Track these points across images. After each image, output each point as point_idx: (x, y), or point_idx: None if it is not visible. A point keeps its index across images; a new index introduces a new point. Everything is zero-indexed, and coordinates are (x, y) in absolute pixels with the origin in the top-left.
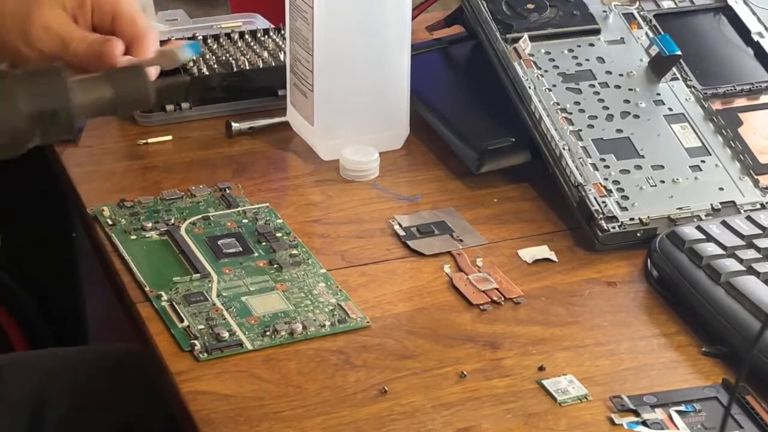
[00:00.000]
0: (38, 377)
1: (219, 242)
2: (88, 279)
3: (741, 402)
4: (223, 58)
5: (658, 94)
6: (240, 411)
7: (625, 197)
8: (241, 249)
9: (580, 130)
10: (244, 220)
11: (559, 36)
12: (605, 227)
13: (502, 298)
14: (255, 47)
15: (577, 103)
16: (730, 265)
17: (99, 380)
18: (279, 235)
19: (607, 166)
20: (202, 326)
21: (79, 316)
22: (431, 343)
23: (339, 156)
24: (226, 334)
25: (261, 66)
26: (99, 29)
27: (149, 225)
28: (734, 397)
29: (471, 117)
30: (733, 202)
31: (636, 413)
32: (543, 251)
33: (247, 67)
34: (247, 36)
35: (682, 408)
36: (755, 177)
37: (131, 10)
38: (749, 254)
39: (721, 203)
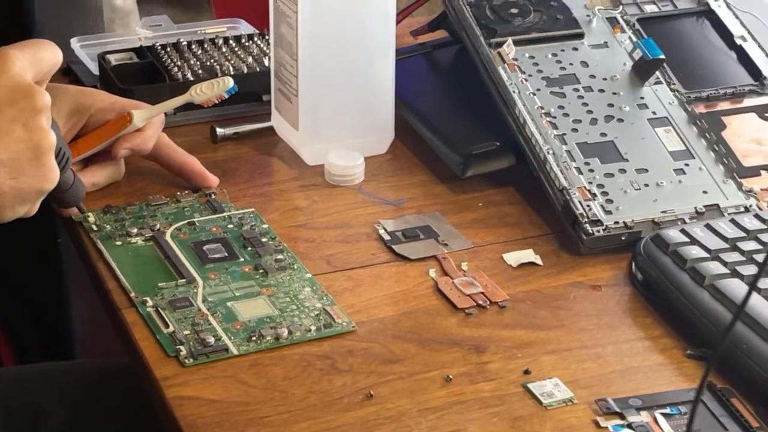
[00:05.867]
0: (37, 390)
1: (204, 247)
2: (74, 284)
3: (726, 405)
4: (208, 63)
5: (642, 98)
6: (226, 416)
7: (610, 201)
8: (226, 254)
9: (565, 134)
10: (230, 226)
11: (542, 40)
12: (590, 231)
13: (488, 302)
14: (239, 52)
15: (561, 107)
16: (714, 268)
17: (97, 393)
18: (264, 240)
19: (591, 170)
20: (187, 331)
21: (65, 322)
22: (417, 347)
23: (324, 161)
24: (211, 340)
25: (245, 71)
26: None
27: (134, 230)
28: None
29: (456, 121)
30: (717, 205)
31: (621, 416)
32: (528, 255)
33: (232, 73)
34: (231, 41)
35: (667, 411)
36: (739, 180)
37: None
38: (733, 257)
39: (705, 206)
